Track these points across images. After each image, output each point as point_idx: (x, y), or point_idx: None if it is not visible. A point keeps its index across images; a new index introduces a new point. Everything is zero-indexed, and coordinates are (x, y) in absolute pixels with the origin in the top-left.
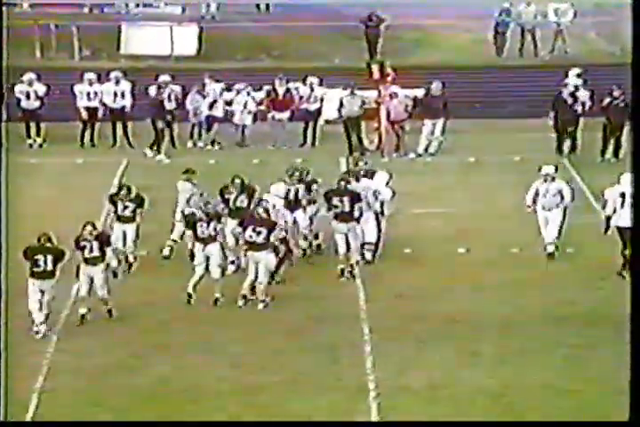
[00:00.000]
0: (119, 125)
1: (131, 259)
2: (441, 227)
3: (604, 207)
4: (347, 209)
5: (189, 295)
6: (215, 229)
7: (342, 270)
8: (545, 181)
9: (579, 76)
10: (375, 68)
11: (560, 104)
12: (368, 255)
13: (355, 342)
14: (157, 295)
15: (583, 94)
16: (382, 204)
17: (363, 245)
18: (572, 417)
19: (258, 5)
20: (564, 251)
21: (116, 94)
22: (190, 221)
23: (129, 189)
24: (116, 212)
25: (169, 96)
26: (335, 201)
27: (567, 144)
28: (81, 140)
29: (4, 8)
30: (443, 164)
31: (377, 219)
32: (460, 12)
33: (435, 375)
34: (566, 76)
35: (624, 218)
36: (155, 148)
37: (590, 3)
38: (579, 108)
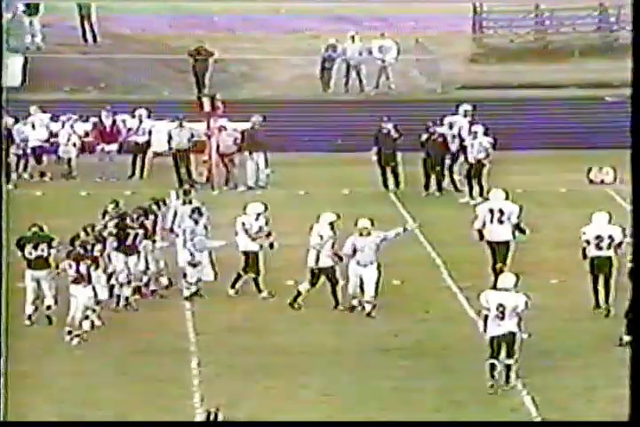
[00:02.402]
0: None
1: None
2: (271, 258)
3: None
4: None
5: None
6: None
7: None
8: (361, 234)
9: (465, 113)
10: (206, 100)
11: (382, 139)
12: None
13: (183, 375)
14: None
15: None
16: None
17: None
18: None
19: (84, 37)
20: (390, 283)
21: None
22: None
23: None
24: None
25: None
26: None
27: (391, 178)
28: None
29: None
30: (273, 196)
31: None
32: (287, 47)
33: (262, 408)
34: (456, 111)
35: (494, 232)
36: None
37: (412, 41)
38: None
